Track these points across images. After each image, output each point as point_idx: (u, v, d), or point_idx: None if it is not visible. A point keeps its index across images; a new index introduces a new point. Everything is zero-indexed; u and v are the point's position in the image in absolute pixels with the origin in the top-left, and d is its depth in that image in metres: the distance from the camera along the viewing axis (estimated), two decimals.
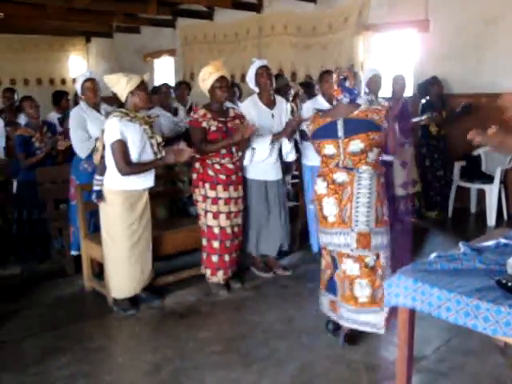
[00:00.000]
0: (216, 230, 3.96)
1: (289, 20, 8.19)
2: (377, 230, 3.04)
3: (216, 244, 3.98)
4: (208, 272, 4.05)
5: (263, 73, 4.19)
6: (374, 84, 5.14)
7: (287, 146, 4.28)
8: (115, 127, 3.47)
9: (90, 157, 4.17)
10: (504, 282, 2.16)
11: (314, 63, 7.69)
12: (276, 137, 4.14)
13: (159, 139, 3.66)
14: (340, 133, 3.04)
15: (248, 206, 4.26)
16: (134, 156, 3.53)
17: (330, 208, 3.09)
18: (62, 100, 6.30)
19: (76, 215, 4.24)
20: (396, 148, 3.15)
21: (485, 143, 1.84)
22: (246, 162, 4.17)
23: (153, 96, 5.80)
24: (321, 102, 4.53)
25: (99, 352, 3.25)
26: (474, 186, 6.17)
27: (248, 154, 4.14)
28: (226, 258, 4.02)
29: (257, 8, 8.65)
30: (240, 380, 2.89)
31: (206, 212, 3.95)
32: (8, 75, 12.11)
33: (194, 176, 4.00)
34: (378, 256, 3.07)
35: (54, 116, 6.21)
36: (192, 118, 3.93)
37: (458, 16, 6.26)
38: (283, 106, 4.36)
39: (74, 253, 4.49)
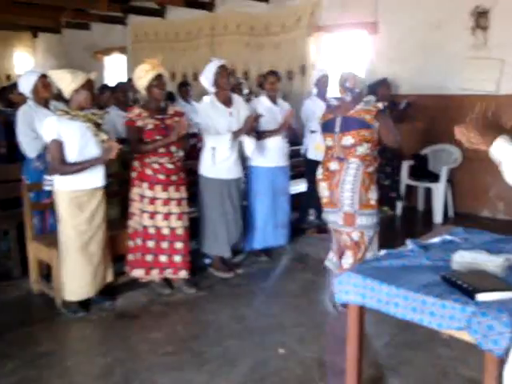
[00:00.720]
0: (152, 230, 3.88)
1: (241, 19, 8.20)
2: (361, 211, 3.47)
3: (151, 244, 3.90)
4: (141, 272, 3.96)
5: (223, 72, 4.17)
6: (322, 84, 5.24)
7: (250, 144, 4.30)
8: (51, 127, 3.40)
9: (41, 155, 4.05)
10: (448, 277, 2.24)
11: (266, 63, 7.73)
12: (235, 134, 4.15)
13: (104, 137, 3.57)
14: (337, 128, 3.51)
15: (203, 206, 4.24)
16: (73, 155, 3.45)
17: (323, 191, 3.60)
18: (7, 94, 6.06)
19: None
20: (394, 141, 3.54)
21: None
22: (208, 163, 4.15)
23: (103, 95, 5.76)
24: (263, 101, 4.60)
25: (48, 356, 3.16)
26: (421, 185, 6.37)
27: (209, 154, 4.13)
28: (163, 258, 3.94)
29: (209, 7, 8.63)
30: (193, 380, 2.88)
31: (143, 212, 3.88)
32: None
33: (133, 175, 3.92)
34: (362, 234, 3.50)
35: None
36: (127, 118, 3.87)
37: (405, 20, 6.44)
38: (241, 104, 4.37)
39: None
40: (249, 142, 4.30)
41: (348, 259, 3.55)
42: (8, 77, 12.57)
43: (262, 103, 4.57)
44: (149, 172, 3.85)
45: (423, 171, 6.30)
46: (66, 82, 3.46)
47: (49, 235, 3.96)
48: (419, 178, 6.28)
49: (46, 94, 4.15)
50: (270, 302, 3.94)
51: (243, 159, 4.46)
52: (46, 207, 4.01)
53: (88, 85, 3.49)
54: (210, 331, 3.45)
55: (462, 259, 2.41)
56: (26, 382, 2.88)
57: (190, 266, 4.04)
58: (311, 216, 5.62)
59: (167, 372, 2.96)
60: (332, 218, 3.58)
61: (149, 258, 3.94)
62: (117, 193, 4.47)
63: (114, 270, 3.92)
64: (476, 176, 6.14)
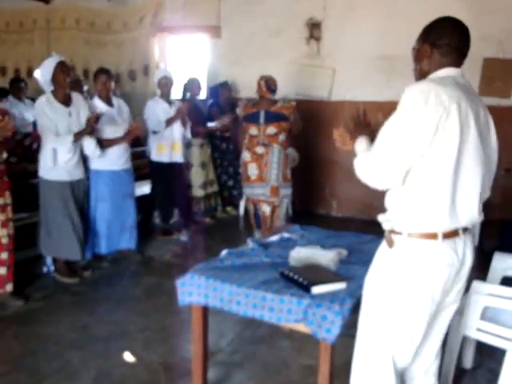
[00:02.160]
0: None
1: (81, 14, 7.82)
2: (283, 184, 4.62)
3: None
4: None
5: (62, 69, 3.92)
6: (164, 85, 5.19)
7: (91, 144, 4.12)
8: None
9: None
10: (286, 273, 2.37)
11: (108, 61, 7.46)
12: (77, 136, 3.94)
13: None
14: (261, 120, 4.50)
15: (49, 209, 4.00)
16: None
17: (252, 170, 4.57)
18: None
19: None
20: (300, 129, 4.71)
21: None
22: (49, 164, 3.90)
23: None
24: (97, 103, 4.42)
25: None
26: None
27: (49, 155, 3.86)
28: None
29: None
30: None
31: None
32: None
33: None
34: (282, 202, 4.64)
35: None
36: None
37: (247, 26, 6.65)
38: (81, 103, 4.14)
39: None
40: (89, 143, 4.12)
41: (268, 222, 4.68)
42: None
43: (96, 106, 4.36)
44: None
45: None
46: None
47: None
48: None
49: None
50: (114, 308, 3.81)
51: (84, 160, 4.26)
52: None
53: None
54: (49, 344, 3.23)
55: (299, 255, 2.56)
56: None
57: (14, 277, 3.75)
58: (156, 218, 5.56)
59: None
60: (260, 191, 4.58)
61: None
62: None
63: None
64: (313, 176, 6.57)
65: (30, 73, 7.97)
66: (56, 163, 3.92)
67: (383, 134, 1.83)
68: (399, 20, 5.62)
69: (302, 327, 2.20)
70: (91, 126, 4.00)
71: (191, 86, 5.89)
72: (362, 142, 2.01)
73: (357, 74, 6.12)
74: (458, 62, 1.95)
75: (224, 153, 6.26)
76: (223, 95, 6.27)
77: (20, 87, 6.39)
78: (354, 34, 6.09)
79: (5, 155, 3.65)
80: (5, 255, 3.66)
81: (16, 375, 2.89)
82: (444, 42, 1.91)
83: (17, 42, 8.42)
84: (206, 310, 2.51)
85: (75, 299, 3.92)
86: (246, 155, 4.62)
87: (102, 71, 4.47)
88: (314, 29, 6.36)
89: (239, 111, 4.75)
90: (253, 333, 3.38)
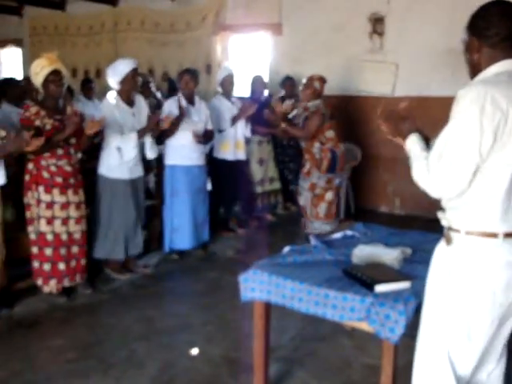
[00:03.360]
0: (49, 237, 3.70)
1: (146, 15, 8.05)
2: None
3: (49, 252, 3.72)
4: (40, 281, 3.78)
5: (134, 75, 4.08)
6: (228, 83, 5.25)
7: (148, 143, 4.21)
8: None
9: None
10: (349, 270, 2.34)
11: (171, 61, 7.65)
12: (140, 134, 4.05)
13: (2, 133, 3.36)
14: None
15: (109, 207, 4.10)
16: None
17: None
18: None
19: None
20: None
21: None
22: (115, 162, 4.02)
23: None
24: (180, 101, 4.54)
25: None
26: None
27: (114, 154, 3.99)
28: (61, 266, 3.77)
29: (112, 1, 8.36)
30: None
31: (39, 217, 3.68)
32: None
33: (27, 178, 3.70)
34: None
35: None
36: (24, 117, 3.62)
37: (308, 22, 6.62)
38: (142, 104, 4.27)
39: None
40: (150, 143, 4.22)
41: None
42: None
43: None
44: (45, 175, 3.65)
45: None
46: None
47: None
48: None
49: None
50: (177, 302, 3.90)
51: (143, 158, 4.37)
52: None
53: None
54: (115, 335, 3.35)
55: (362, 253, 2.52)
56: None
57: (85, 269, 3.93)
58: (221, 215, 5.62)
59: (70, 380, 2.84)
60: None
61: (46, 267, 3.74)
62: (11, 194, 4.19)
63: (8, 275, 3.70)
64: (375, 173, 6.46)
65: (98, 73, 8.29)
66: (122, 161, 4.04)
67: (440, 145, 1.75)
68: (468, 12, 5.41)
69: (364, 326, 2.17)
70: (152, 125, 4.10)
71: (255, 84, 5.95)
72: (414, 142, 1.92)
73: (421, 68, 5.96)
74: None
75: (284, 148, 6.26)
76: (286, 90, 6.27)
77: (90, 87, 6.66)
78: (418, 27, 5.93)
79: (79, 155, 3.82)
80: (75, 249, 3.83)
81: (85, 362, 3.03)
82: (492, 32, 1.77)
83: (86, 45, 8.78)
84: (268, 306, 2.52)
85: (140, 292, 4.04)
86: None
87: (187, 71, 4.61)
88: (376, 23, 6.25)
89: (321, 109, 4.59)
90: (314, 330, 3.37)
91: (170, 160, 4.56)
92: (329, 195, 4.59)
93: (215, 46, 7.45)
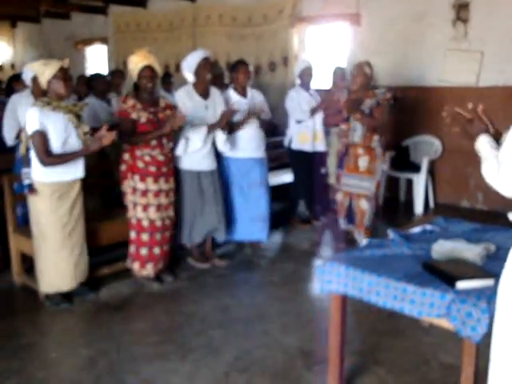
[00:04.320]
0: (145, 223, 3.89)
1: (224, 10, 8.17)
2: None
3: (145, 237, 3.92)
4: (136, 265, 3.98)
5: (206, 64, 4.12)
6: (306, 75, 5.24)
7: (221, 137, 4.28)
8: (34, 118, 3.36)
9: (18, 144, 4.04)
10: (429, 265, 2.29)
11: (248, 54, 7.71)
12: (211, 128, 4.13)
13: (86, 128, 3.55)
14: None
15: (181, 196, 4.23)
16: (56, 146, 3.42)
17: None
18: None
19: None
20: None
21: (453, 120, 2.01)
22: (179, 153, 4.12)
23: (80, 85, 5.72)
24: (230, 95, 4.52)
25: (31, 348, 3.15)
26: (402, 176, 6.43)
27: (182, 144, 4.11)
28: (156, 250, 3.96)
29: None
30: (177, 370, 2.90)
31: (135, 204, 3.89)
32: None
33: (123, 167, 3.91)
34: None
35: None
36: (120, 109, 3.83)
37: (387, 11, 6.47)
38: (217, 98, 4.31)
39: None
40: (221, 136, 4.26)
41: None
42: None
43: (230, 97, 4.47)
44: (140, 164, 3.84)
45: (404, 162, 6.36)
46: (40, 72, 3.44)
47: (28, 227, 3.92)
48: (400, 169, 6.35)
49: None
50: (253, 292, 3.97)
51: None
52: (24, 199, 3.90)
53: (62, 73, 3.44)
54: (194, 321, 3.47)
55: (442, 248, 2.45)
56: (9, 373, 2.87)
57: (169, 256, 4.12)
58: (301, 207, 5.62)
59: (151, 362, 2.98)
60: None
61: (143, 251, 3.94)
62: (96, 184, 4.44)
63: (93, 262, 3.90)
64: (456, 167, 6.23)
65: (178, 68, 8.51)
66: (186, 152, 4.12)
67: (510, 144, 1.69)
68: None
69: (444, 323, 2.12)
70: (225, 121, 4.16)
71: (336, 75, 5.91)
72: (483, 143, 1.88)
73: (509, 56, 5.65)
74: None
75: None
76: None
77: (169, 81, 6.87)
78: (506, 12, 5.63)
79: (171, 144, 3.98)
80: (168, 234, 4.03)
81: (165, 346, 3.15)
82: None
83: (166, 40, 9.04)
84: (344, 299, 2.51)
85: (218, 281, 4.14)
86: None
87: (241, 63, 4.59)
88: (461, 10, 5.99)
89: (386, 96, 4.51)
90: (391, 325, 3.32)
91: (234, 153, 4.51)
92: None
93: (292, 38, 7.45)
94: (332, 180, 5.84)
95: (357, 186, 4.53)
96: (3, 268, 4.26)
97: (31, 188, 3.52)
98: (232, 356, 3.03)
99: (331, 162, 5.81)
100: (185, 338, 3.24)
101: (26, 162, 3.55)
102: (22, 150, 3.57)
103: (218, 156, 4.43)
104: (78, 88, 5.87)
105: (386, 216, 6.10)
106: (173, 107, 3.98)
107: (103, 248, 4.15)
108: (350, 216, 4.62)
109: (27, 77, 4.22)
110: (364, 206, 4.52)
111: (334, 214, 5.67)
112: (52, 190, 3.49)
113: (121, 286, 4.02)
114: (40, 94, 4.09)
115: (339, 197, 4.66)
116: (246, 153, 4.51)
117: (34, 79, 4.11)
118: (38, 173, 3.49)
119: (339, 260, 2.45)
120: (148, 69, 3.76)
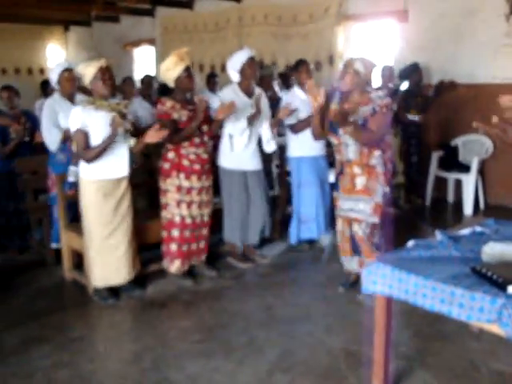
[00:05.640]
0: (188, 220, 3.99)
1: (269, 9, 8.18)
2: None
3: (187, 233, 4.01)
4: (168, 261, 4.06)
5: (252, 64, 4.15)
6: None
7: (267, 135, 4.28)
8: (76, 117, 3.48)
9: (64, 148, 4.15)
10: (479, 269, 2.22)
11: (294, 53, 7.68)
12: (251, 119, 4.11)
13: (128, 126, 3.63)
14: None
15: (226, 196, 4.27)
16: (98, 144, 3.51)
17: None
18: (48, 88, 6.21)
19: (54, 206, 4.22)
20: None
21: (487, 132, 1.97)
22: (227, 151, 4.17)
23: (127, 86, 5.87)
24: (298, 93, 4.51)
25: (80, 341, 3.25)
26: (451, 176, 6.27)
27: (226, 141, 4.15)
28: (193, 246, 4.07)
29: None
30: (220, 368, 2.92)
31: (180, 202, 3.95)
32: None
33: (166, 166, 3.96)
34: None
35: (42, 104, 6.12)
36: (160, 111, 3.88)
37: (436, 7, 6.31)
38: (261, 97, 4.32)
39: (54, 245, 4.44)
40: (268, 136, 4.27)
41: None
42: (41, 70, 12.81)
43: (298, 96, 4.47)
44: (186, 163, 3.92)
45: (453, 162, 6.20)
46: (83, 73, 3.55)
47: (81, 224, 4.04)
48: (449, 169, 6.19)
49: (69, 88, 4.23)
50: (298, 291, 3.95)
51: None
52: (74, 197, 3.98)
53: (101, 73, 3.52)
54: (238, 320, 3.49)
55: (493, 251, 2.38)
56: (59, 365, 2.97)
57: (209, 250, 4.20)
58: None
59: (195, 359, 3.01)
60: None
61: (184, 248, 4.02)
62: (144, 183, 4.53)
63: (141, 259, 3.99)
64: (508, 167, 6.02)
65: (223, 68, 8.58)
66: (233, 149, 4.16)
67: None
68: None
69: (494, 328, 2.05)
70: (279, 119, 4.20)
71: (382, 73, 5.83)
72: None
73: None
74: None
75: (410, 137, 6.07)
76: (413, 79, 6.05)
77: (214, 81, 6.95)
78: None
79: (211, 142, 4.04)
80: (205, 231, 4.11)
81: (209, 344, 3.19)
82: None
83: (212, 41, 9.13)
84: (390, 301, 2.47)
85: (262, 280, 4.15)
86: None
87: (302, 62, 4.60)
88: None
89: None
90: (438, 329, 3.24)
91: (295, 152, 4.56)
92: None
93: (338, 36, 7.38)
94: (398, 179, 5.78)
95: (352, 208, 3.64)
96: (56, 264, 4.40)
97: (73, 185, 3.63)
98: (275, 355, 3.03)
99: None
100: (228, 337, 3.26)
101: (74, 161, 3.68)
102: (73, 147, 3.68)
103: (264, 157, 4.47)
104: (124, 88, 6.03)
105: (433, 217, 5.98)
106: (206, 101, 3.97)
107: (151, 246, 4.23)
108: (355, 245, 3.73)
109: (53, 79, 4.28)
110: (358, 231, 3.63)
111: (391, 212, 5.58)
112: (97, 187, 3.59)
113: (166, 283, 4.08)
114: (68, 94, 4.23)
115: (339, 225, 3.79)
116: (317, 151, 4.55)
117: (60, 81, 4.22)
118: (84, 170, 3.61)
119: (385, 261, 2.41)
120: (188, 69, 3.84)
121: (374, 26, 7.20)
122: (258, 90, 4.32)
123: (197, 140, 3.91)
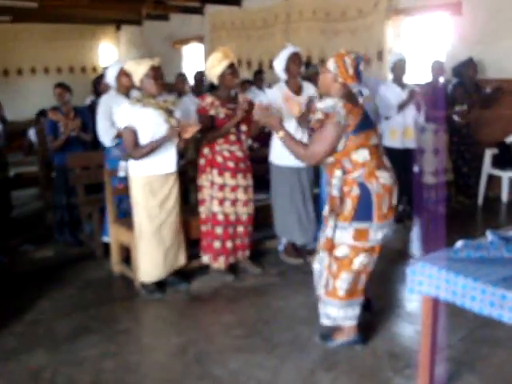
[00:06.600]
0: (220, 217, 3.98)
1: (317, 5, 8.09)
2: None
3: (219, 230, 4.00)
4: (209, 258, 4.08)
5: (295, 60, 4.12)
6: (399, 69, 5.06)
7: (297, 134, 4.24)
8: (124, 114, 3.56)
9: (119, 143, 4.24)
10: None
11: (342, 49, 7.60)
12: (300, 118, 4.07)
13: (174, 122, 3.68)
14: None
15: (280, 192, 4.25)
16: (146, 141, 3.57)
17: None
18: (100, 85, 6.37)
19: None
20: None
21: None
22: (278, 149, 4.13)
23: (179, 83, 5.94)
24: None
25: (126, 333, 3.33)
26: (505, 175, 6.04)
27: (278, 140, 4.13)
28: (229, 244, 4.04)
29: None
30: (263, 364, 2.92)
31: (212, 198, 3.97)
32: (42, 64, 12.41)
33: (202, 162, 4.00)
34: None
35: (91, 100, 6.28)
36: (199, 106, 3.93)
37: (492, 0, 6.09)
38: (311, 93, 4.29)
39: (105, 239, 4.56)
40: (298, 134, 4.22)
41: None
42: (94, 68, 13.18)
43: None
44: (219, 159, 3.93)
45: (508, 160, 5.97)
46: (133, 71, 3.60)
47: (129, 219, 4.12)
48: (503, 167, 5.97)
49: (127, 84, 4.31)
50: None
51: None
52: (124, 192, 4.07)
53: (152, 72, 3.57)
54: (281, 317, 3.48)
55: None
56: (106, 356, 3.05)
57: (250, 247, 4.19)
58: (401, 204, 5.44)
59: (238, 354, 3.02)
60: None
61: (216, 244, 4.03)
62: (193, 179, 4.57)
63: (187, 254, 4.02)
64: None
65: (271, 65, 8.57)
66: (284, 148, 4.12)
67: None
68: None
69: None
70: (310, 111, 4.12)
71: (432, 68, 5.68)
72: None
73: None
74: None
75: (463, 137, 5.88)
76: (467, 74, 5.86)
77: (261, 78, 6.95)
78: None
79: (249, 141, 4.04)
80: (241, 229, 4.10)
81: (252, 339, 3.20)
82: None
83: (260, 37, 9.13)
84: (436, 302, 2.40)
85: (306, 278, 4.09)
86: (385, 176, 2.92)
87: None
88: None
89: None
90: (488, 333, 3.13)
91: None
92: (358, 260, 2.92)
93: (387, 31, 7.22)
94: (428, 179, 5.62)
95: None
96: (104, 257, 4.52)
97: (122, 180, 3.72)
98: (318, 354, 3.01)
99: (427, 160, 5.59)
100: (271, 333, 3.26)
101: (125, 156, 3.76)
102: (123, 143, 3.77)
103: None
104: (177, 85, 6.12)
105: (485, 217, 5.78)
106: (251, 102, 3.97)
107: (195, 241, 4.27)
108: None
109: (111, 76, 4.37)
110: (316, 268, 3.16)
111: (430, 213, 5.46)
112: (143, 183, 3.66)
113: (210, 278, 4.11)
114: (125, 91, 4.31)
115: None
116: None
117: (118, 78, 4.31)
118: (132, 166, 3.68)
119: (431, 261, 2.34)
120: (233, 66, 3.85)
121: (426, 20, 7.00)
122: (311, 90, 4.28)
123: (232, 137, 3.92)
